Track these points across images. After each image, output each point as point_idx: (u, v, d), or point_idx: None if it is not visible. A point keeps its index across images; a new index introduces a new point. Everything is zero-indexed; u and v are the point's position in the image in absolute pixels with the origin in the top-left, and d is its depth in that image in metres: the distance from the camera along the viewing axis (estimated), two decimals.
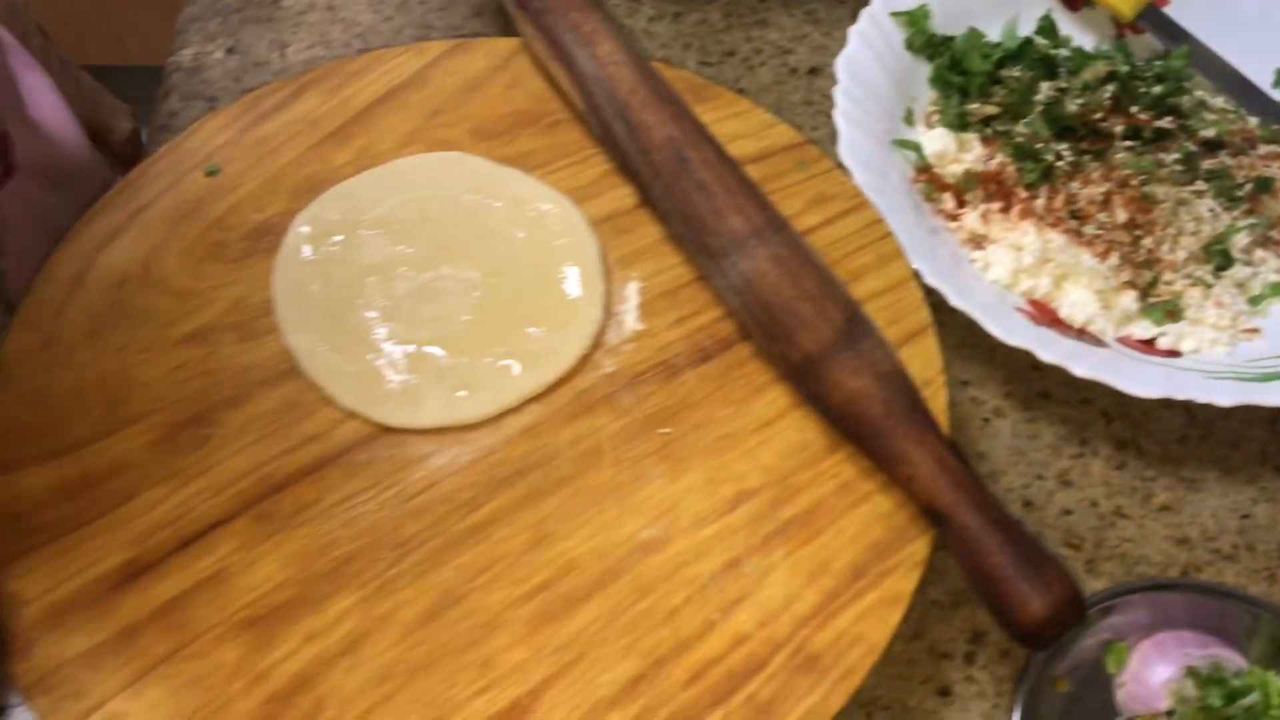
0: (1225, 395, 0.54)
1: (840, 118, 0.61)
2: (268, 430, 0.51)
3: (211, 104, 0.69)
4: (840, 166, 0.59)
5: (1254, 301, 0.61)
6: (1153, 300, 0.60)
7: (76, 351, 0.53)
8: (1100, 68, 0.64)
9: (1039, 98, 0.64)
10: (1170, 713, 0.50)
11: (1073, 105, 0.63)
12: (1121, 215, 0.60)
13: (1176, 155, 0.62)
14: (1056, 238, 0.60)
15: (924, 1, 0.66)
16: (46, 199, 0.62)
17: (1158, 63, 0.66)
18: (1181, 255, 0.60)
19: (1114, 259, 0.60)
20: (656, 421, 0.51)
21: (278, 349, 0.53)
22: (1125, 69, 0.64)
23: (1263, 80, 0.67)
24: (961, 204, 0.63)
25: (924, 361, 0.52)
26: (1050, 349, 0.55)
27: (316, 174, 0.58)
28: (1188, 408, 0.59)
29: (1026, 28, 0.68)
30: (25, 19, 0.71)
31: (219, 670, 0.45)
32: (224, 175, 0.58)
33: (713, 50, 0.72)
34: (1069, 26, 0.70)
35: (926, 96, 0.67)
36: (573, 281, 0.55)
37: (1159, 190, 0.61)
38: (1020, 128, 0.63)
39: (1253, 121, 0.66)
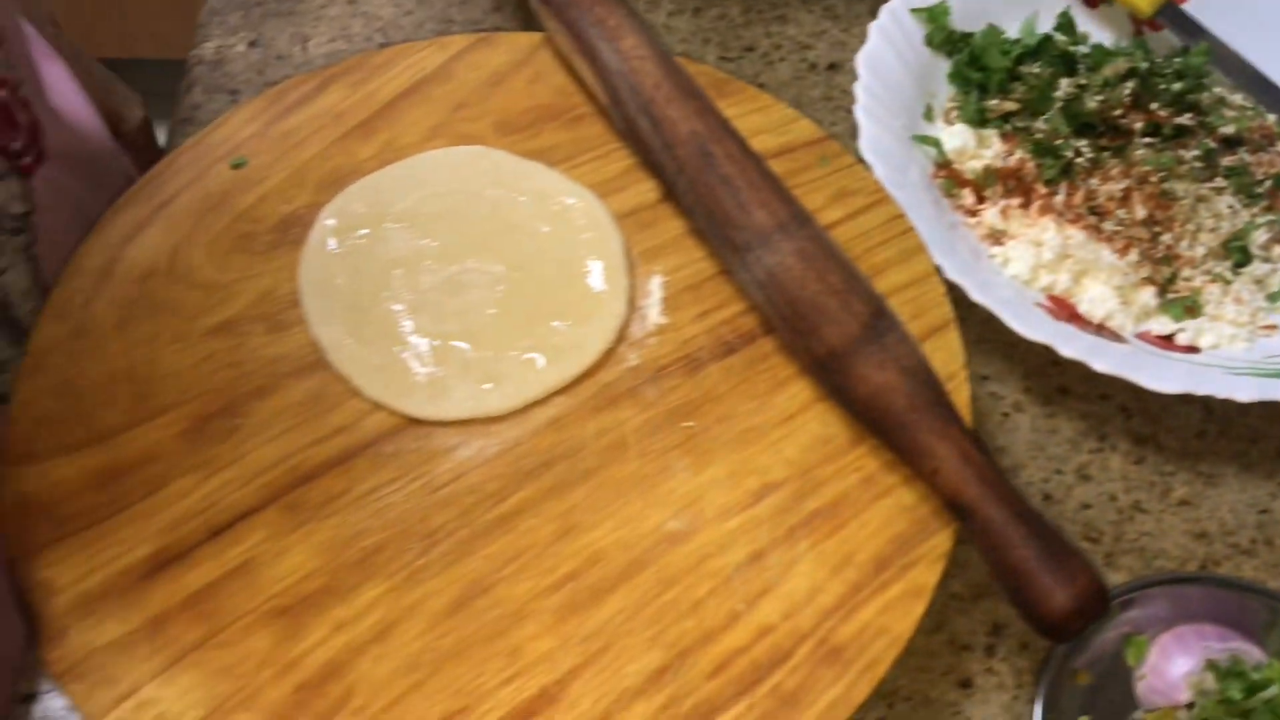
0: (1244, 391, 0.55)
1: (861, 113, 0.61)
2: (296, 421, 0.51)
3: (234, 97, 0.69)
4: (861, 162, 0.60)
5: (1273, 298, 0.61)
6: (1171, 296, 0.60)
7: (105, 343, 0.53)
8: (1120, 64, 0.64)
9: (1058, 94, 0.64)
10: (1190, 705, 0.50)
11: (1092, 102, 0.63)
12: (1141, 211, 0.61)
13: (1196, 152, 0.63)
14: (1076, 234, 0.60)
15: None
16: (74, 186, 0.62)
17: (1177, 59, 0.66)
18: (1200, 251, 0.61)
19: (1133, 255, 0.60)
20: (680, 415, 0.52)
21: (305, 341, 0.53)
22: (1145, 65, 0.64)
23: None
24: (981, 200, 0.63)
25: (946, 356, 0.53)
26: (1070, 344, 0.55)
27: (341, 167, 0.58)
28: (1206, 403, 0.60)
29: (1045, 24, 0.69)
30: (41, 9, 0.72)
31: (249, 658, 0.46)
32: (250, 168, 0.58)
33: (732, 46, 0.72)
34: (1087, 23, 0.70)
35: (946, 92, 0.67)
36: (597, 275, 0.55)
37: (1178, 187, 0.61)
38: (1039, 124, 0.63)
39: (1271, 118, 0.66)
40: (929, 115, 0.66)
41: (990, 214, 0.62)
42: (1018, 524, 0.45)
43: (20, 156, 0.58)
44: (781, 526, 0.49)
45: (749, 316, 0.54)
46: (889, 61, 0.65)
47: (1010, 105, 0.65)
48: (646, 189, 0.58)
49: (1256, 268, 0.61)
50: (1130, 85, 0.63)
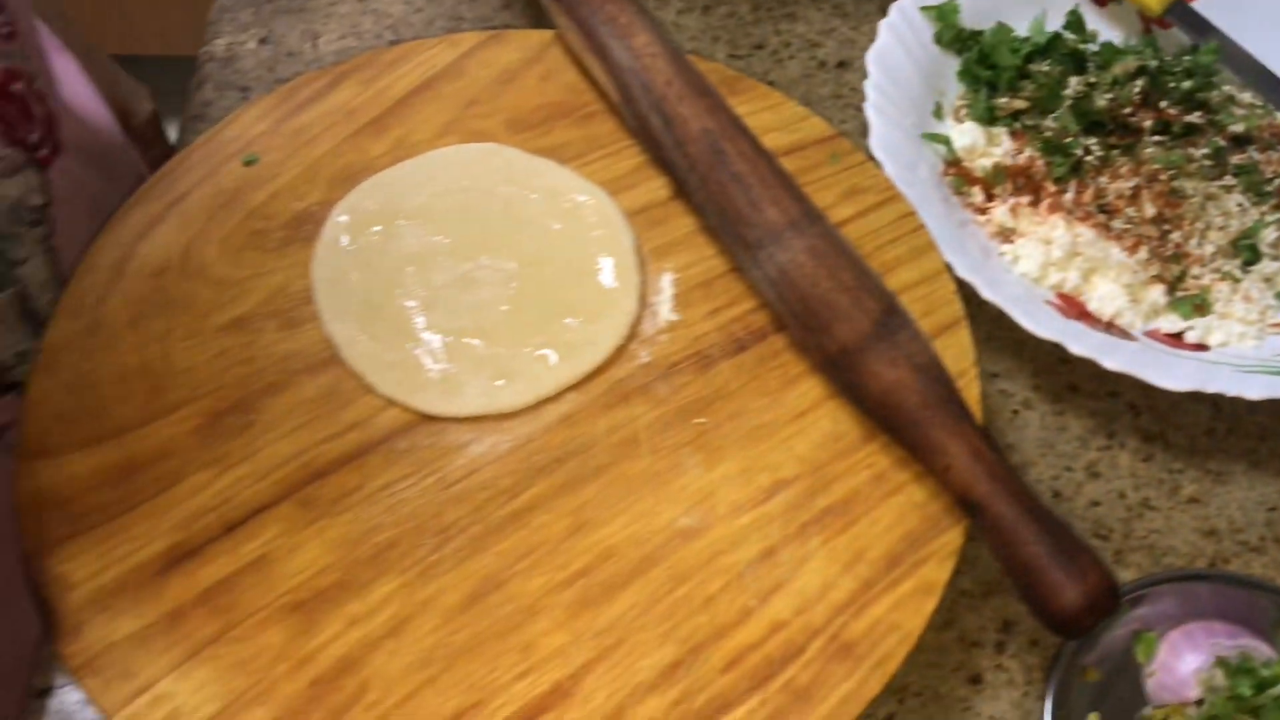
0: (1254, 389, 0.55)
1: (871, 111, 0.62)
2: (309, 417, 0.51)
3: (245, 94, 0.69)
4: (871, 159, 0.60)
5: None
6: (1181, 294, 0.61)
7: (119, 339, 0.53)
8: (1130, 62, 0.64)
9: (1068, 92, 0.64)
10: (1199, 702, 0.50)
11: (1102, 100, 0.63)
12: (1150, 209, 0.61)
13: (1205, 150, 0.63)
14: (1085, 231, 0.60)
15: None
16: (89, 179, 0.63)
17: (1186, 57, 0.66)
18: (1210, 250, 0.61)
19: (1142, 253, 0.60)
20: (692, 411, 0.52)
21: (318, 337, 0.53)
22: (1155, 64, 0.65)
23: None
24: (990, 197, 0.63)
25: (957, 353, 0.53)
26: (1081, 342, 0.55)
27: (354, 164, 0.59)
28: (1215, 401, 0.60)
29: (1054, 23, 0.69)
30: (50, 3, 0.72)
31: (264, 653, 0.46)
32: (262, 165, 0.59)
33: (741, 43, 0.72)
34: (1096, 21, 0.70)
35: (955, 90, 0.67)
36: (608, 273, 0.55)
37: (1188, 185, 0.62)
38: (1049, 122, 0.64)
39: None
40: (938, 113, 0.66)
41: (1000, 212, 0.62)
42: (1029, 521, 0.45)
43: (37, 149, 0.58)
44: (793, 523, 0.49)
45: (760, 314, 0.55)
46: (899, 59, 0.65)
47: (1020, 103, 0.65)
48: (657, 186, 0.58)
49: (1265, 266, 0.61)
50: (1140, 83, 0.64)
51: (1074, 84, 0.64)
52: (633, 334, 0.54)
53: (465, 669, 0.46)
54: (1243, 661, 0.50)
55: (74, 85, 0.70)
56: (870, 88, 0.63)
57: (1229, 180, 0.63)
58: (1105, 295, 0.60)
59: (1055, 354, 0.60)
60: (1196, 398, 0.60)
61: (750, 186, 0.53)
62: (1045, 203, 0.61)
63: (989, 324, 0.60)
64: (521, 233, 0.56)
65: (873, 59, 0.64)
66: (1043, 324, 0.55)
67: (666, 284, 0.55)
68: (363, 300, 0.54)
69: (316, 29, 0.72)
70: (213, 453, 0.51)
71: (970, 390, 0.52)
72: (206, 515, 0.49)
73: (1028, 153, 0.63)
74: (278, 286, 0.55)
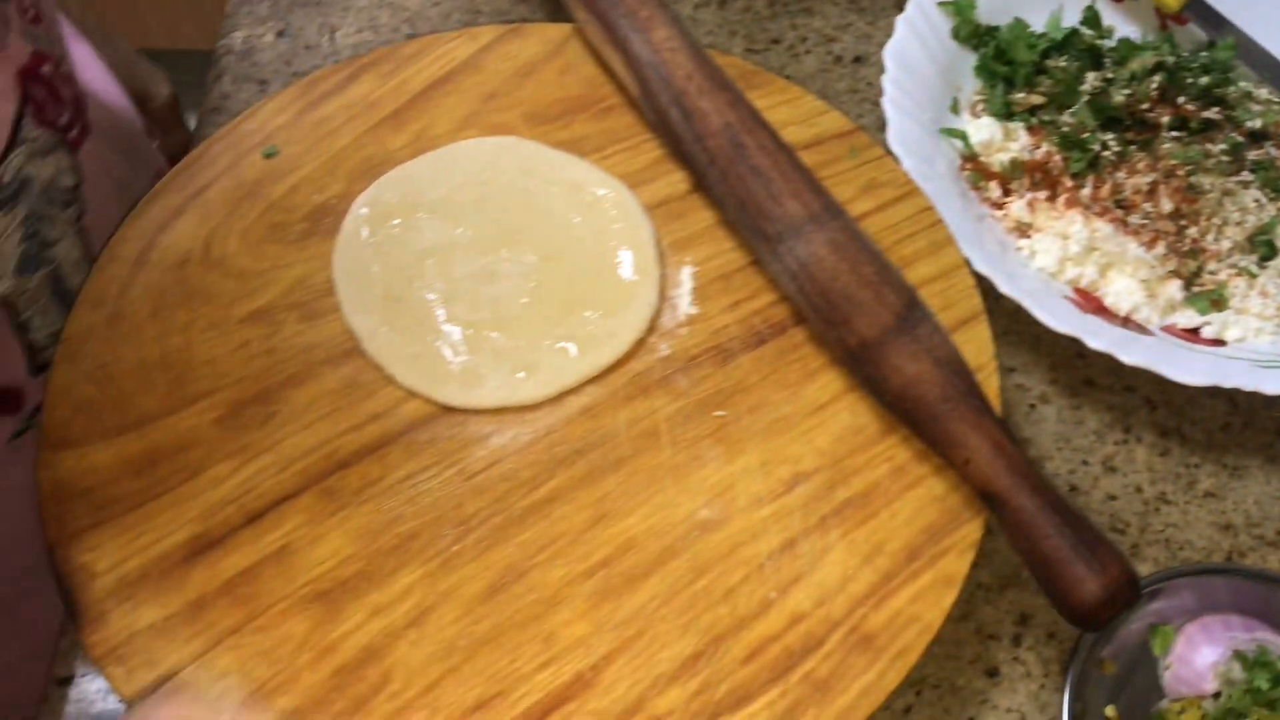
0: (1271, 384, 0.55)
1: (889, 105, 0.62)
2: (331, 408, 0.52)
3: (263, 87, 0.69)
4: (889, 154, 0.60)
5: None
6: (1197, 289, 0.61)
7: (140, 330, 0.54)
8: (1148, 58, 0.64)
9: (1085, 88, 0.64)
10: (1217, 695, 0.51)
11: (1119, 95, 0.63)
12: (1167, 205, 0.61)
13: (1223, 146, 0.63)
14: (1103, 226, 0.60)
15: None
16: (114, 162, 0.63)
17: (1204, 54, 0.67)
18: (1226, 245, 0.61)
19: (1160, 248, 0.60)
20: (712, 404, 0.52)
21: (339, 329, 0.54)
22: (1172, 59, 0.65)
23: None
24: (1007, 192, 0.63)
25: (976, 347, 0.53)
26: (1099, 337, 0.55)
27: (374, 156, 0.59)
28: (1231, 396, 0.60)
29: (1071, 18, 0.69)
30: None
31: (287, 642, 0.46)
32: (282, 157, 0.59)
33: (758, 38, 0.72)
34: (1112, 17, 0.70)
35: (972, 86, 0.67)
36: (628, 266, 0.55)
37: (1205, 180, 0.62)
38: (1066, 117, 0.64)
39: None
40: (955, 108, 0.66)
41: (1017, 207, 0.62)
42: (1049, 514, 0.46)
43: (67, 130, 0.59)
44: (813, 515, 0.49)
45: (780, 307, 0.55)
46: (916, 54, 0.65)
47: (1037, 99, 0.65)
48: (676, 180, 0.59)
49: None
50: (1158, 79, 0.64)
51: (1091, 79, 0.64)
52: (652, 327, 0.54)
53: (487, 659, 0.46)
54: (1260, 655, 0.50)
55: (92, 72, 0.70)
56: (888, 82, 0.63)
57: (1246, 176, 0.63)
58: (1122, 290, 0.60)
59: (1072, 349, 0.60)
60: (1213, 392, 0.60)
61: (771, 180, 0.53)
62: (1062, 198, 0.62)
63: (1005, 319, 0.60)
64: (541, 226, 0.56)
65: (890, 54, 0.64)
66: (1061, 319, 0.56)
67: (686, 277, 0.56)
68: (383, 292, 0.54)
69: (334, 22, 0.72)
70: (235, 443, 0.51)
71: (989, 385, 0.52)
72: (228, 506, 0.49)
73: (1045, 148, 0.63)
74: (298, 278, 0.55)
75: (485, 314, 0.54)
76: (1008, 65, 0.66)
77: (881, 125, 0.62)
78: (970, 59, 0.67)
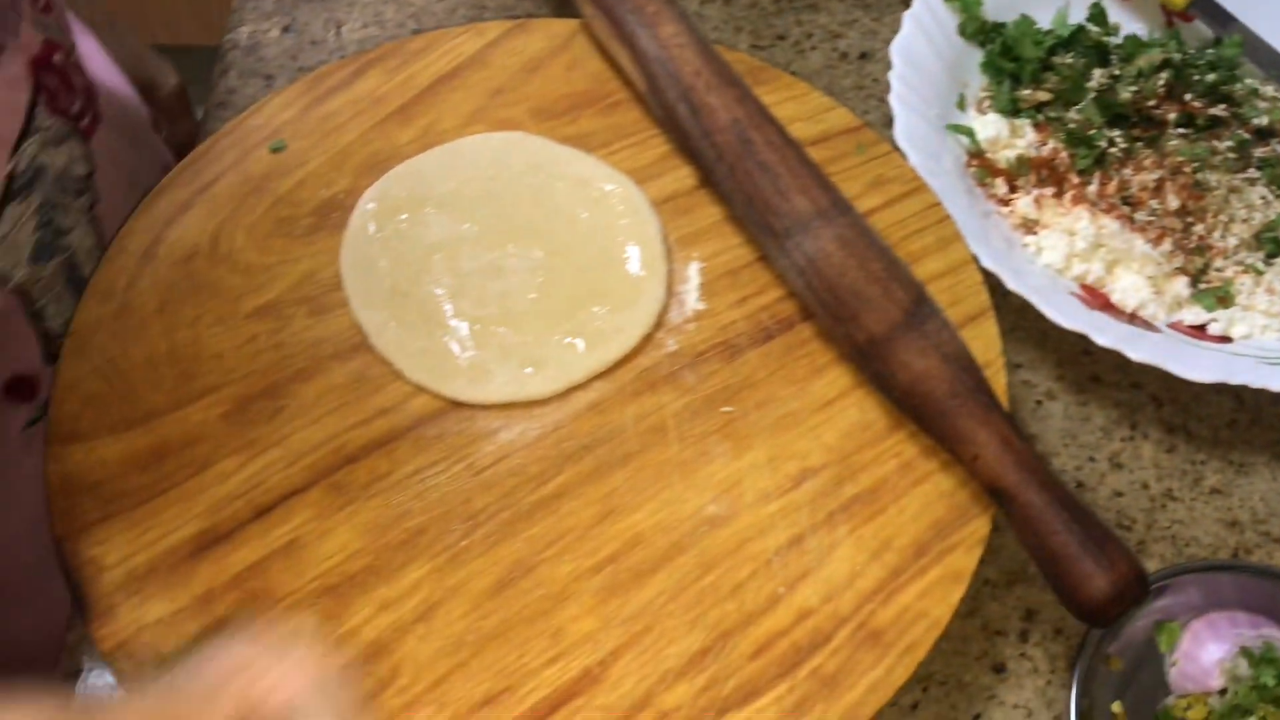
0: (1278, 381, 0.55)
1: (896, 101, 0.62)
2: (339, 403, 0.52)
3: (269, 81, 0.69)
4: (896, 150, 0.60)
5: None
6: (1204, 286, 0.61)
7: (148, 324, 0.54)
8: (1156, 55, 0.64)
9: (1091, 84, 0.64)
10: (1223, 691, 0.51)
11: (1126, 92, 0.63)
12: (1174, 202, 0.61)
13: (1229, 143, 0.63)
14: (1109, 223, 0.60)
15: None
16: (124, 151, 0.64)
17: (1210, 51, 0.67)
18: (1233, 242, 0.61)
19: (1166, 245, 0.60)
20: (719, 400, 0.52)
21: (347, 324, 0.54)
22: (1179, 56, 0.65)
23: None
24: (1014, 189, 0.63)
25: (984, 344, 0.53)
26: (1106, 334, 0.55)
27: (381, 151, 0.59)
28: (1237, 393, 0.60)
29: (1077, 15, 0.69)
30: None
31: (295, 637, 0.46)
32: (289, 152, 0.59)
33: (764, 34, 0.72)
34: (1118, 14, 0.70)
35: (978, 82, 0.67)
36: (635, 261, 0.55)
37: (1211, 177, 0.62)
38: (1073, 114, 0.64)
39: None
40: (961, 104, 0.66)
41: (1023, 203, 0.62)
42: (1058, 510, 0.46)
43: (79, 119, 0.59)
44: (821, 511, 0.49)
45: (787, 303, 0.55)
46: (923, 51, 0.65)
47: (1043, 95, 0.65)
48: (683, 175, 0.59)
49: None
50: (1165, 76, 0.64)
51: (1098, 76, 0.64)
52: (660, 323, 0.54)
53: (495, 654, 0.46)
54: (1266, 651, 0.51)
55: (98, 64, 0.70)
56: (895, 78, 0.63)
57: (1252, 173, 0.63)
58: (1129, 287, 0.60)
59: (1078, 345, 0.60)
60: (1219, 389, 0.60)
61: (778, 176, 0.53)
62: (1069, 194, 0.62)
63: (1012, 315, 0.60)
64: (548, 221, 0.56)
65: (897, 50, 0.64)
66: (1068, 315, 0.56)
67: (693, 273, 0.56)
68: (391, 287, 0.54)
69: (339, 17, 0.72)
70: (243, 438, 0.51)
71: (996, 381, 0.52)
72: (236, 500, 0.49)
73: (1051, 144, 0.63)
74: (306, 273, 0.55)
75: (493, 309, 0.54)
76: (1014, 61, 0.66)
77: (886, 121, 0.62)
78: (977, 55, 0.67)
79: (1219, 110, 0.64)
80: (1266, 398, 0.60)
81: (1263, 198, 0.62)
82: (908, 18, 0.66)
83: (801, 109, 0.61)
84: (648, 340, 0.54)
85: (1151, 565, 0.56)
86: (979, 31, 0.67)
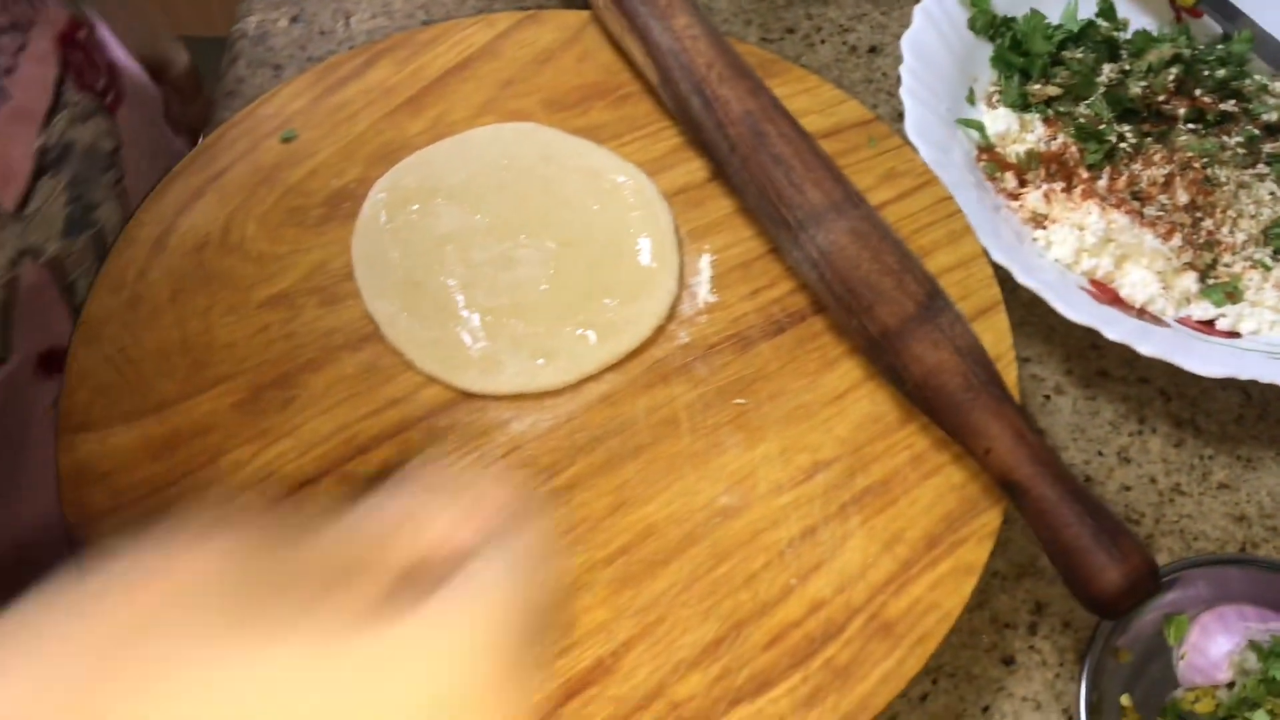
0: None
1: (907, 95, 0.62)
2: (350, 393, 0.52)
3: (277, 71, 0.69)
4: (907, 144, 0.60)
5: None
6: (1212, 282, 0.61)
7: (160, 313, 0.54)
8: (1166, 50, 0.64)
9: (1101, 79, 0.64)
10: (1231, 684, 0.51)
11: (1135, 87, 0.63)
12: (1183, 197, 0.61)
13: (1239, 138, 0.63)
14: (1119, 218, 0.61)
15: None
16: (143, 128, 0.64)
17: (1220, 46, 0.67)
18: (1241, 238, 0.61)
19: (1175, 240, 0.61)
20: (731, 392, 0.52)
21: (359, 314, 0.54)
22: (1189, 52, 0.65)
23: None
24: (1023, 183, 0.63)
25: (995, 337, 0.53)
26: (1116, 328, 0.56)
27: (392, 142, 0.59)
28: (1245, 388, 0.60)
29: (1086, 10, 0.69)
30: None
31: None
32: (300, 141, 0.59)
33: (773, 27, 0.72)
34: (1127, 9, 0.70)
35: (988, 77, 0.67)
36: (647, 253, 0.55)
37: (1220, 173, 0.62)
38: (1082, 109, 0.64)
39: None
40: (971, 99, 0.66)
41: (1033, 197, 0.62)
42: (1071, 503, 0.46)
43: (104, 95, 0.59)
44: (833, 503, 0.49)
45: (799, 295, 0.55)
46: (933, 45, 0.65)
47: (1053, 90, 0.65)
48: (695, 167, 0.59)
49: None
50: (1175, 71, 0.64)
51: (1107, 71, 0.64)
52: (672, 314, 0.54)
53: None
54: (1275, 644, 0.51)
55: (112, 47, 0.70)
56: (905, 72, 0.63)
57: (1261, 169, 0.63)
58: (1138, 282, 0.60)
59: (1087, 340, 0.60)
60: (1227, 384, 0.60)
61: (792, 168, 0.53)
62: (1079, 189, 0.62)
63: (1020, 309, 0.60)
64: (560, 212, 0.56)
65: (907, 44, 0.64)
66: (1078, 309, 0.56)
67: (705, 265, 0.56)
68: (402, 278, 0.54)
69: (348, 7, 0.72)
70: (254, 428, 0.51)
71: (1007, 374, 0.52)
72: (248, 490, 0.49)
73: (1061, 139, 0.63)
74: (317, 263, 0.55)
75: (504, 300, 0.54)
76: (1024, 56, 0.66)
77: (896, 116, 0.62)
78: (987, 50, 0.67)
79: (1228, 106, 0.64)
80: (1274, 393, 0.60)
81: (1271, 193, 0.62)
82: (918, 11, 0.66)
83: (814, 102, 0.61)
84: (659, 332, 0.54)
85: (1160, 559, 0.56)
86: (989, 26, 0.67)
